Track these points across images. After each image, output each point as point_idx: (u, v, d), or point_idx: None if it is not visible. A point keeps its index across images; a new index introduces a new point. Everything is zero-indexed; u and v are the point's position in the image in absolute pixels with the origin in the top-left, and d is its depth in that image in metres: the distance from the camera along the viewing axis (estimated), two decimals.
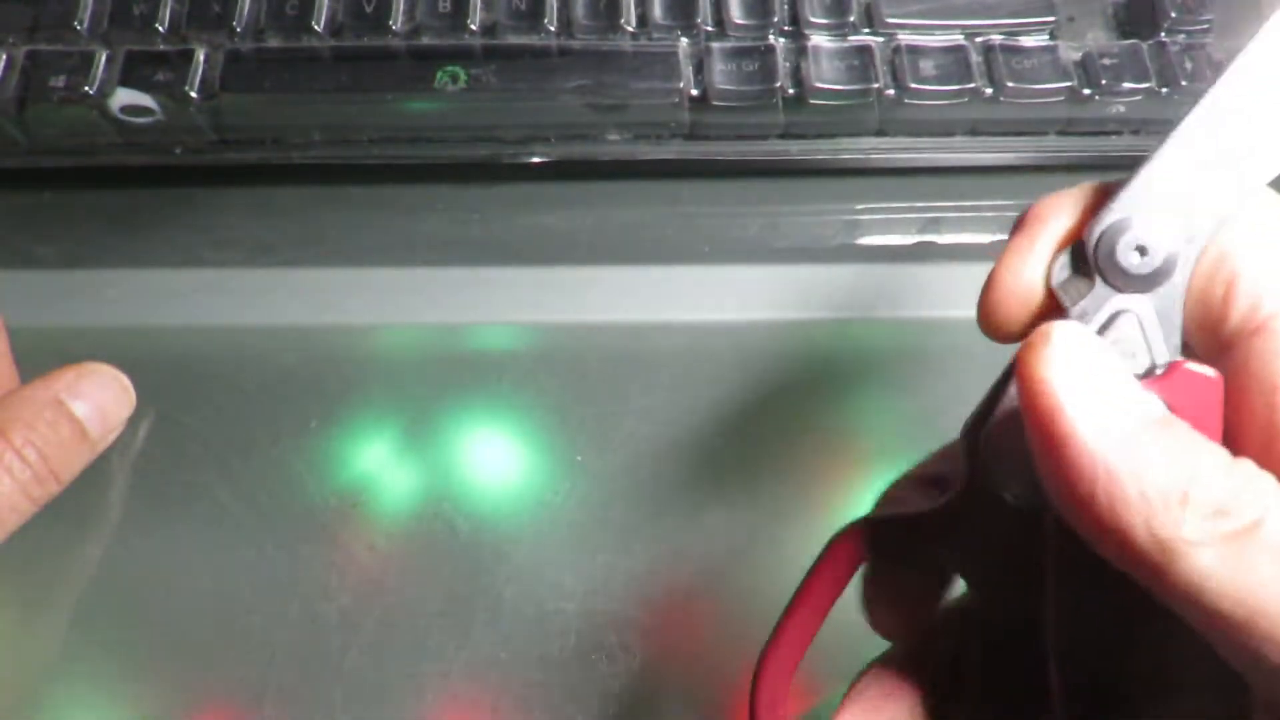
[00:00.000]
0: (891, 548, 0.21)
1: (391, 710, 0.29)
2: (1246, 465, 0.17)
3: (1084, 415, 0.16)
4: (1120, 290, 0.19)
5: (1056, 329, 0.17)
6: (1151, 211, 0.19)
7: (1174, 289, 0.19)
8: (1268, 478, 0.16)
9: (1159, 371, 0.18)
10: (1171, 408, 0.17)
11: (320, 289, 0.36)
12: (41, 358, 0.29)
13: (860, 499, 0.32)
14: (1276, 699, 0.17)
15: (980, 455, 0.20)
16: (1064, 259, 0.19)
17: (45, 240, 0.37)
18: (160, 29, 0.35)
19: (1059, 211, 0.20)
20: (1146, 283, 0.19)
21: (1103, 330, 0.19)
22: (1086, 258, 0.19)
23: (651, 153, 0.36)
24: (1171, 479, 0.16)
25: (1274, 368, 0.18)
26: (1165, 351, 0.19)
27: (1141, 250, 0.19)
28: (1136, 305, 0.19)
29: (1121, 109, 0.36)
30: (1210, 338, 0.19)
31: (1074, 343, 0.17)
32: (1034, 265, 0.20)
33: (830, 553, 0.21)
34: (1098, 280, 0.19)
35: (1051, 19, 0.36)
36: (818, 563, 0.21)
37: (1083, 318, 0.19)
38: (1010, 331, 0.20)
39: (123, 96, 0.34)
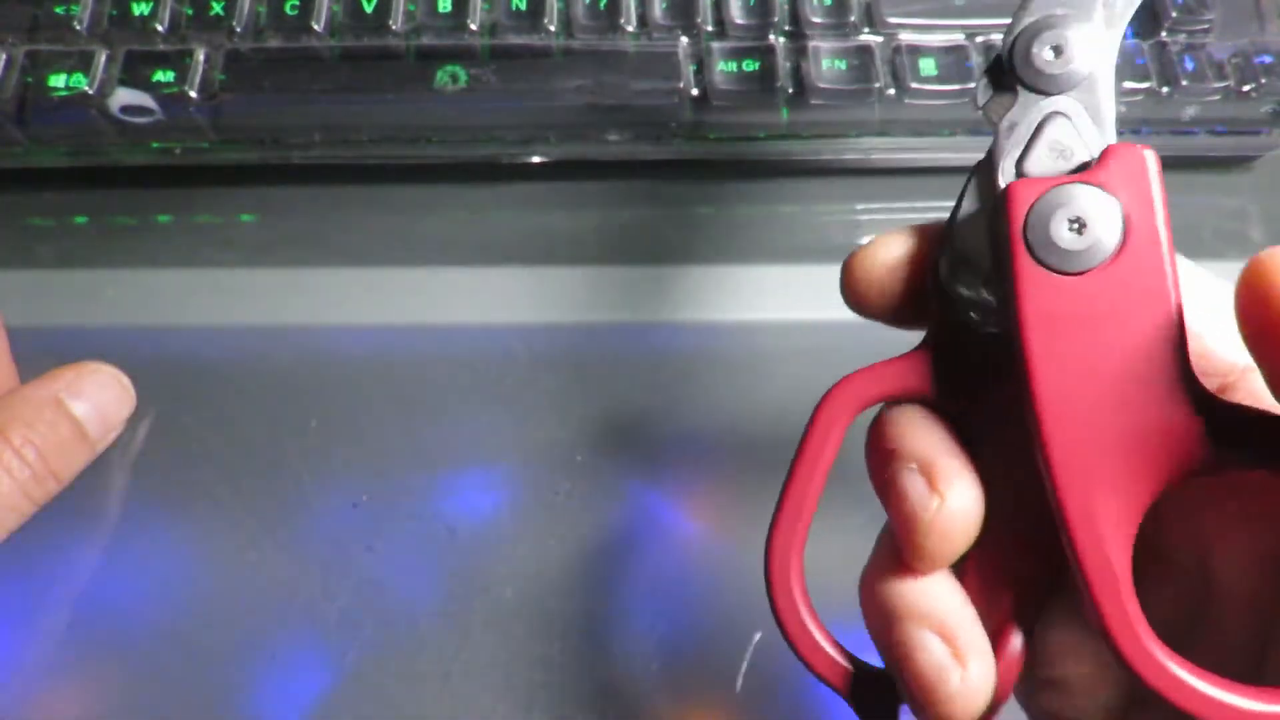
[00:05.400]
0: (878, 396, 0.21)
1: (391, 710, 0.29)
2: None
3: None
4: (1045, 93, 0.19)
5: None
6: (1061, 8, 0.19)
7: (1098, 81, 0.19)
8: None
9: (1095, 159, 0.18)
10: (1108, 187, 0.18)
11: (320, 289, 0.36)
12: (41, 358, 0.29)
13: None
14: None
15: (943, 288, 0.20)
16: (984, 81, 0.20)
17: (45, 240, 0.37)
18: (160, 29, 0.35)
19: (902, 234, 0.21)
20: (1068, 80, 0.19)
21: (1034, 137, 0.19)
22: (1004, 70, 0.19)
23: (651, 153, 0.36)
24: None
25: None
26: (1100, 141, 0.19)
27: (1057, 49, 0.19)
28: (1064, 105, 0.19)
29: (1122, 109, 0.36)
30: None
31: None
32: (898, 247, 0.20)
33: (823, 408, 0.21)
34: (1020, 90, 0.19)
35: None
36: (812, 421, 0.21)
37: (1012, 129, 0.19)
38: (875, 301, 0.21)
39: (123, 96, 0.34)
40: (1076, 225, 0.18)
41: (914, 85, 0.35)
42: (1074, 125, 0.19)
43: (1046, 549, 0.19)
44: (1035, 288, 0.18)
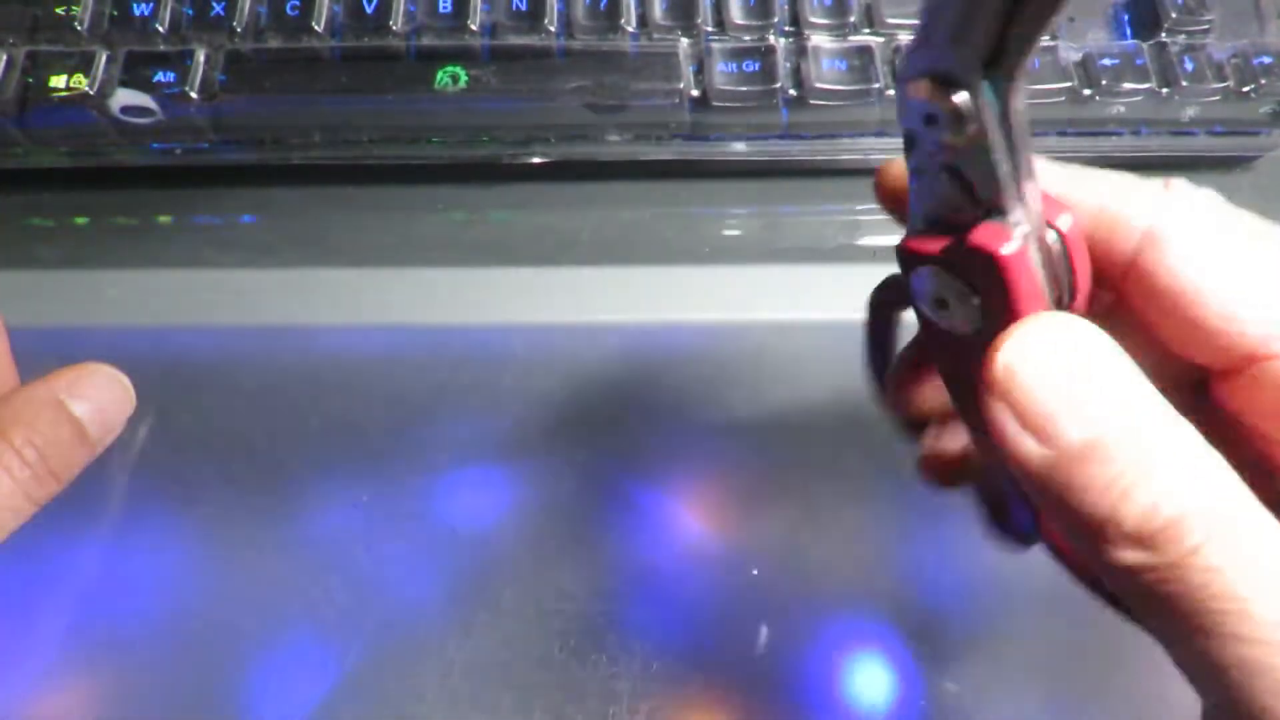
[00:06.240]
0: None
1: (392, 710, 0.29)
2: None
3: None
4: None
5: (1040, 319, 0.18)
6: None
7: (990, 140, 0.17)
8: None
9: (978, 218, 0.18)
10: (960, 275, 0.18)
11: (320, 289, 0.36)
12: (41, 358, 0.29)
13: (873, 494, 0.32)
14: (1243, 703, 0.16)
15: None
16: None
17: (45, 240, 0.37)
18: (160, 29, 0.35)
19: None
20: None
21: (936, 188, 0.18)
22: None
23: (651, 153, 0.36)
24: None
25: None
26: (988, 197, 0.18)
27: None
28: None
29: (1121, 109, 0.36)
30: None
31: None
32: None
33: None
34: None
35: None
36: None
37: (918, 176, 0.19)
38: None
39: (123, 96, 0.34)
40: (939, 304, 0.19)
41: None
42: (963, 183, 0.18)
43: None
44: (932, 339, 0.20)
